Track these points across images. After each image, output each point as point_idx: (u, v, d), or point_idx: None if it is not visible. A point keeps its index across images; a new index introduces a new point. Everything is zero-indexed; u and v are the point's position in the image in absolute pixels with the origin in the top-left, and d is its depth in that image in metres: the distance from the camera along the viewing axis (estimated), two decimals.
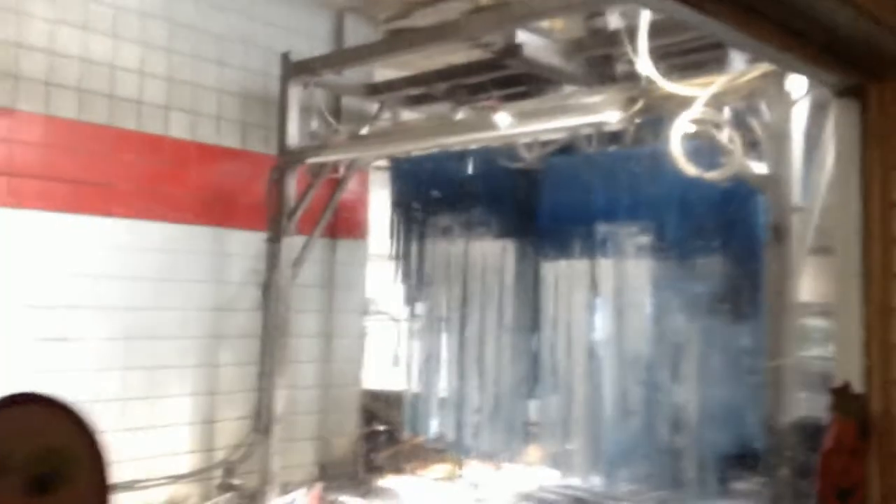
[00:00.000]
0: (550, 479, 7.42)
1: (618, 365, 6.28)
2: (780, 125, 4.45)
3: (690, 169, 4.57)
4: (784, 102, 4.41)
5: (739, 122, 4.62)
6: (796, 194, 4.45)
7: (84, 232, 6.68)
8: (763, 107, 4.58)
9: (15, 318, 6.26)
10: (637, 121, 5.13)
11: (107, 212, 6.83)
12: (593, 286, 6.35)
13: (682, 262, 5.84)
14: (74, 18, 6.68)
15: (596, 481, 6.80)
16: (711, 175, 4.61)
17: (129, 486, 6.73)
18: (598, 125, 5.34)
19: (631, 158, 5.99)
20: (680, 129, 4.56)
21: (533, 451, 7.15)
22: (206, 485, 7.31)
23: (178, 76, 7.35)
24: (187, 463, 7.26)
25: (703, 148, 4.83)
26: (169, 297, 7.18)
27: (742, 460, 6.15)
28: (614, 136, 6.41)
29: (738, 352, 5.91)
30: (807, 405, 4.58)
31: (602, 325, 6.39)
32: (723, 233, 5.57)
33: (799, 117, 4.47)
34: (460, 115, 6.00)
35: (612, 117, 4.98)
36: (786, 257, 4.36)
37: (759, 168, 4.59)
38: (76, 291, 6.61)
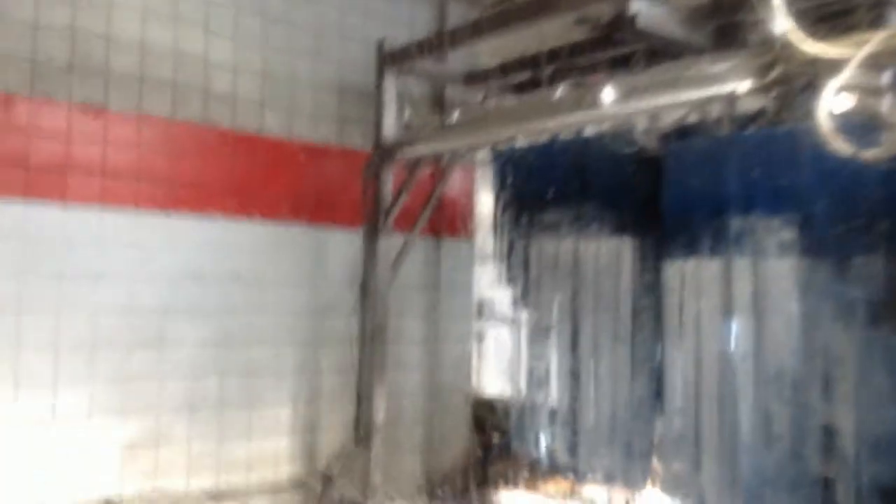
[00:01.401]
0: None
1: (757, 382, 5.35)
2: None
3: (843, 147, 3.67)
4: None
5: None
6: None
7: (178, 232, 6.48)
8: None
9: (109, 322, 6.12)
10: (774, 93, 4.23)
11: (201, 211, 6.60)
12: (727, 290, 5.44)
13: (836, 262, 4.86)
14: (165, 11, 6.47)
15: None
16: (870, 154, 3.69)
17: (226, 495, 6.50)
18: (727, 99, 4.48)
19: (770, 140, 5.06)
20: (828, 99, 3.68)
21: (655, 478, 6.32)
22: (306, 495, 6.97)
23: (273, 71, 7.05)
24: (286, 472, 6.96)
25: (859, 122, 3.92)
26: (265, 300, 6.90)
27: None
28: (750, 118, 5.52)
29: None
30: None
31: (738, 335, 5.48)
32: (886, 225, 4.57)
33: None
34: (561, 93, 5.23)
35: (743, 87, 4.11)
36: None
37: None
38: (171, 294, 6.42)
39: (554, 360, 6.56)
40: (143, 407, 6.24)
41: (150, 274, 6.33)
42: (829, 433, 5.23)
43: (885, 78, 3.68)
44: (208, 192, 6.64)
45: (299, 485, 6.94)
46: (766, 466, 5.41)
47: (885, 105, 3.61)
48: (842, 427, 5.15)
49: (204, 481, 6.49)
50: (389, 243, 6.84)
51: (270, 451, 6.90)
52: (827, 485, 5.19)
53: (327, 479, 6.96)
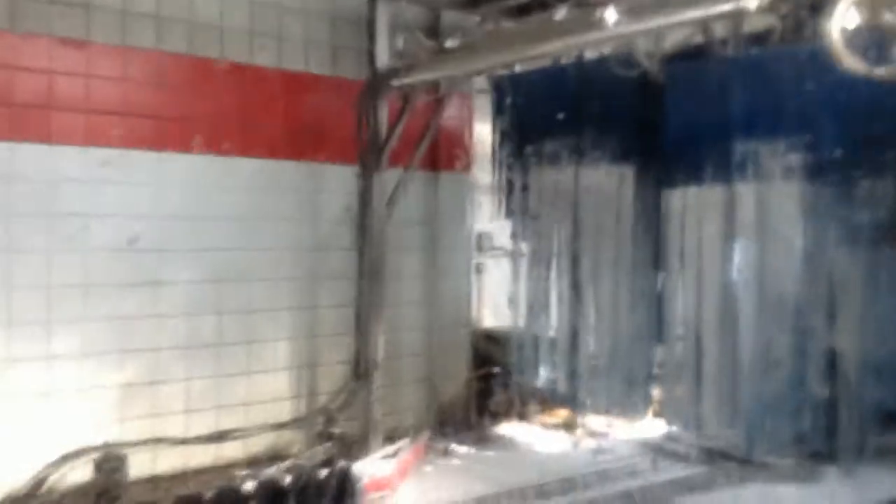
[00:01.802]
0: (676, 430, 6.61)
1: (760, 309, 5.32)
2: None
3: (855, 64, 3.54)
4: None
5: None
6: None
7: (168, 170, 6.31)
8: None
9: (101, 263, 6.01)
10: (782, 10, 4.05)
11: (191, 148, 6.42)
12: (729, 217, 5.35)
13: (842, 185, 4.76)
14: None
15: (731, 439, 5.95)
16: (882, 71, 3.55)
17: (228, 434, 6.50)
18: (734, 17, 4.29)
19: (774, 60, 4.90)
20: (842, 14, 3.52)
21: (656, 406, 6.34)
22: (308, 432, 6.98)
23: None
24: (288, 410, 6.94)
25: (872, 38, 3.76)
26: (260, 237, 6.77)
27: None
28: (756, 38, 5.33)
29: None
30: None
31: (740, 262, 5.41)
32: (893, 147, 4.45)
33: None
34: (562, 14, 5.02)
35: (751, 3, 3.93)
36: None
37: None
38: (164, 233, 6.29)
39: (554, 291, 6.51)
40: (139, 347, 6.18)
41: (141, 213, 6.19)
42: (831, 358, 5.22)
43: None
44: (199, 128, 6.45)
45: (300, 422, 6.93)
46: (768, 392, 5.40)
47: None
48: (845, 351, 5.13)
49: (204, 421, 6.47)
50: (385, 178, 6.70)
51: (270, 388, 6.87)
52: (829, 409, 5.20)
53: (328, 416, 6.96)
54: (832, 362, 5.21)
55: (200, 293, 6.48)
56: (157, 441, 6.18)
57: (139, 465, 6.03)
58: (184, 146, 6.38)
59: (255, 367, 6.79)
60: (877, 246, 4.76)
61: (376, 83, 6.53)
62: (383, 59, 6.51)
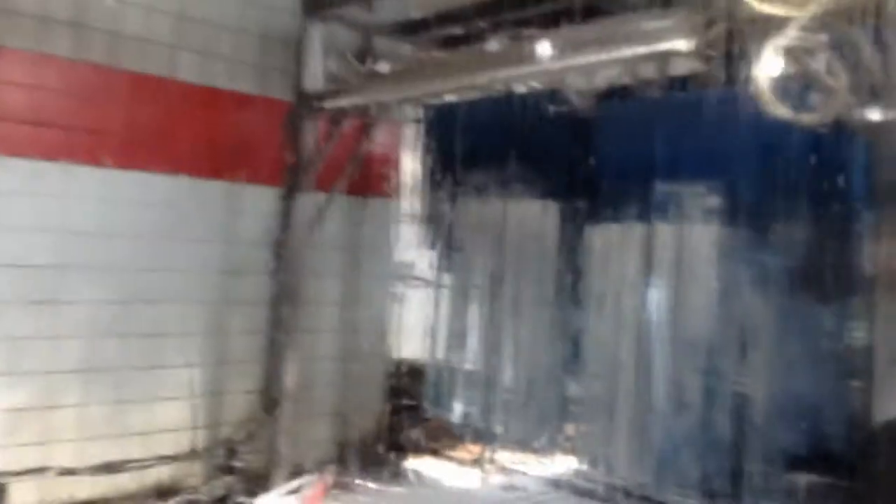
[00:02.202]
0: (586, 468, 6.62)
1: (674, 349, 5.39)
2: None
3: (780, 109, 3.64)
4: None
5: (845, 53, 3.66)
6: None
7: (78, 183, 5.97)
8: (879, 32, 3.60)
9: None
10: (710, 54, 4.16)
11: (104, 161, 6.10)
12: (649, 256, 5.43)
13: (758, 229, 4.90)
14: None
15: (639, 478, 5.98)
16: (807, 118, 3.68)
17: (122, 465, 6.12)
18: (664, 58, 4.39)
19: (700, 104, 5.04)
20: (769, 60, 3.63)
21: (569, 441, 6.33)
22: (209, 465, 6.64)
23: (190, 12, 6.57)
24: (189, 440, 6.60)
25: (794, 87, 3.91)
26: (173, 258, 6.48)
27: (814, 463, 5.29)
28: (681, 82, 5.48)
29: (820, 338, 4.99)
30: None
31: (657, 301, 5.49)
32: (811, 194, 4.62)
33: None
34: (494, 46, 5.04)
35: (684, 45, 4.03)
36: None
37: (870, 112, 3.62)
38: (68, 249, 5.93)
39: (474, 324, 6.46)
40: (32, 369, 5.78)
41: (45, 227, 5.83)
42: (740, 401, 5.32)
43: (826, 40, 3.64)
44: (113, 141, 6.15)
45: (200, 453, 6.60)
46: (678, 432, 5.46)
47: (824, 68, 3.57)
48: (753, 394, 5.24)
49: (97, 450, 6.08)
50: (309, 200, 6.56)
51: (171, 417, 6.51)
52: (736, 451, 5.28)
53: (230, 448, 6.66)
54: (741, 405, 5.30)
55: (103, 314, 6.12)
56: (43, 470, 5.76)
57: (22, 496, 5.60)
58: (95, 159, 6.06)
59: (158, 395, 6.44)
60: (789, 291, 4.90)
61: (304, 105, 6.40)
62: (313, 80, 6.41)
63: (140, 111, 6.29)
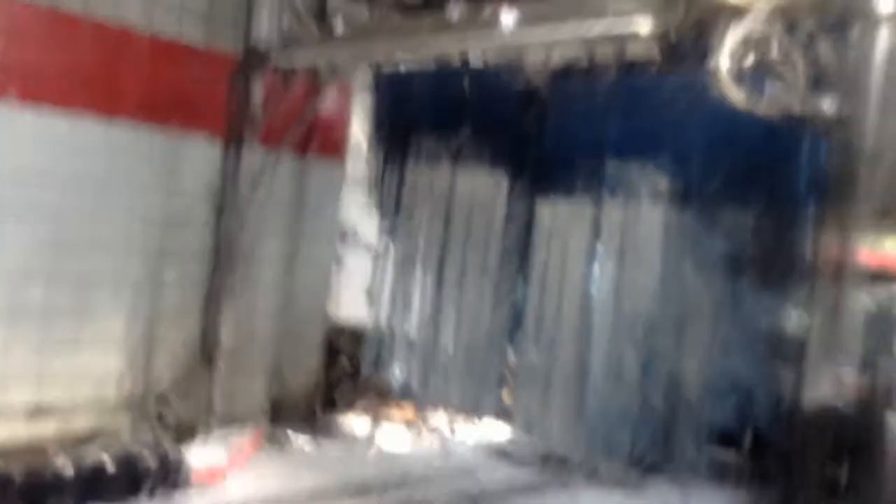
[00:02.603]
0: (520, 435, 6.74)
1: (614, 323, 5.53)
2: (860, 52, 3.58)
3: (738, 96, 3.74)
4: (869, 21, 3.53)
5: (805, 46, 3.77)
6: (869, 141, 3.60)
7: (8, 124, 5.70)
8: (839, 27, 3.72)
9: None
10: (673, 36, 4.22)
11: (37, 102, 5.83)
12: (595, 233, 5.53)
13: (705, 214, 5.04)
14: None
15: (572, 446, 6.13)
16: (764, 107, 3.78)
17: (45, 411, 5.93)
18: (626, 39, 4.41)
19: (656, 86, 5.12)
20: (730, 47, 3.71)
21: (506, 408, 6.43)
22: (138, 414, 6.50)
23: None
24: (118, 391, 6.43)
25: (752, 77, 4.01)
26: (109, 205, 6.24)
27: (740, 441, 5.53)
28: (636, 66, 5.54)
29: (757, 322, 5.19)
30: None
31: (601, 277, 5.60)
32: (760, 182, 4.76)
33: (885, 43, 3.59)
34: (455, 14, 4.98)
35: (645, 26, 4.08)
36: (848, 217, 3.55)
37: (826, 105, 3.74)
38: None
39: (417, 290, 6.48)
40: None
41: None
42: (675, 377, 5.50)
43: (784, 32, 3.74)
44: (50, 83, 5.87)
45: (132, 405, 6.46)
46: (613, 403, 5.62)
47: (784, 60, 3.68)
48: (688, 371, 5.43)
49: (21, 395, 5.88)
50: (254, 157, 6.42)
51: (101, 367, 6.33)
52: (668, 424, 5.47)
53: (162, 398, 6.54)
54: (675, 381, 5.49)
55: (32, 258, 5.89)
56: None
57: None
58: (29, 100, 5.78)
59: (88, 342, 6.24)
60: (730, 275, 5.06)
61: (254, 60, 6.24)
62: (264, 35, 6.23)
63: (81, 54, 6.02)
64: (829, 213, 3.69)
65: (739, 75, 3.85)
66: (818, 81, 3.80)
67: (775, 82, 3.79)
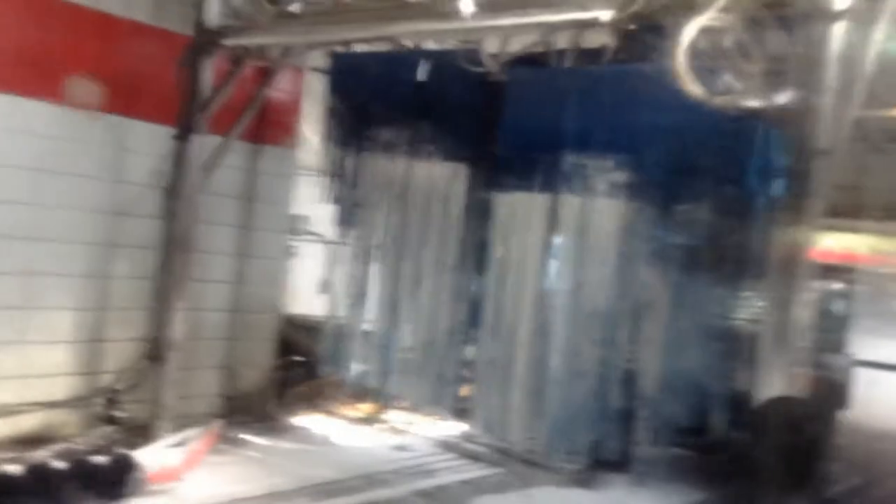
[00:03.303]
0: (478, 431, 6.67)
1: (572, 318, 5.42)
2: (814, 44, 3.49)
3: (695, 89, 3.64)
4: (823, 14, 3.44)
5: (761, 40, 3.67)
6: (823, 134, 3.53)
7: None
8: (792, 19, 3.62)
9: None
10: (631, 25, 4.12)
11: None
12: (552, 226, 5.42)
13: (661, 207, 4.94)
14: None
15: (531, 443, 6.06)
16: (719, 100, 3.69)
17: None
18: (582, 27, 4.30)
19: (613, 77, 4.99)
20: (688, 37, 3.61)
21: (464, 405, 6.33)
22: (87, 414, 6.32)
23: None
24: (65, 387, 6.25)
25: (706, 69, 3.91)
26: (53, 193, 6.05)
27: (697, 435, 5.49)
28: (592, 55, 5.42)
29: (712, 316, 5.13)
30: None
31: (558, 271, 5.49)
32: (714, 176, 4.68)
33: (838, 35, 3.50)
34: None
35: (605, 15, 3.97)
36: (803, 212, 3.48)
37: (781, 97, 3.66)
38: None
39: (374, 283, 6.33)
40: None
41: None
42: (632, 372, 5.42)
43: (742, 24, 3.64)
44: None
45: (78, 401, 6.26)
46: (571, 400, 5.52)
47: (740, 53, 3.58)
48: (645, 367, 5.35)
49: None
50: (203, 144, 6.22)
51: (48, 362, 6.14)
52: (626, 421, 5.40)
53: (111, 397, 6.35)
54: (632, 376, 5.41)
55: None
56: None
57: None
58: None
59: (33, 338, 6.05)
60: (686, 269, 4.99)
61: (204, 40, 6.03)
62: (214, 15, 6.01)
63: (21, 32, 5.78)
64: (783, 207, 3.60)
65: (696, 68, 3.74)
66: (774, 75, 3.71)
67: (732, 75, 3.68)
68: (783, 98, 3.65)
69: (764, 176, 4.33)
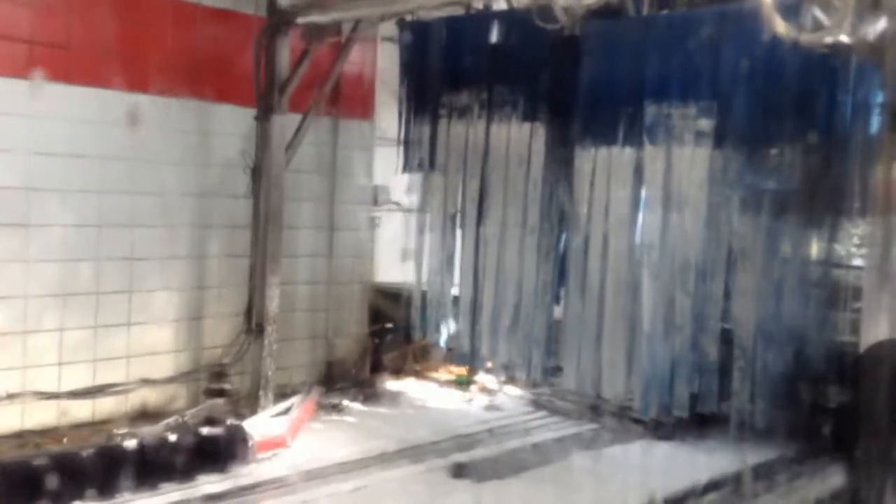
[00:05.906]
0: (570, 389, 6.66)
1: (662, 272, 5.35)
2: None
3: (782, 27, 3.49)
4: None
5: None
6: None
7: (45, 101, 5.72)
8: None
9: None
10: None
11: (69, 79, 5.84)
12: (638, 180, 5.33)
13: (750, 153, 4.79)
14: None
15: (625, 399, 6.04)
16: (809, 38, 3.54)
17: (105, 388, 6.07)
18: None
19: (692, 21, 4.85)
20: None
21: (555, 363, 6.35)
22: (194, 388, 6.62)
23: None
24: (171, 364, 6.55)
25: (792, 5, 3.75)
26: (146, 180, 6.29)
27: (799, 385, 5.35)
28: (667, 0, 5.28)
29: (808, 262, 4.97)
30: None
31: (646, 226, 5.41)
32: (805, 117, 4.50)
33: None
34: None
35: None
36: None
37: (873, 30, 3.48)
38: (36, 171, 5.72)
39: (458, 248, 6.38)
40: (8, 294, 5.64)
41: (10, 148, 5.60)
42: (727, 323, 5.33)
43: None
44: (80, 57, 5.87)
45: (186, 377, 6.56)
46: (665, 354, 5.48)
47: None
48: (741, 318, 5.24)
49: (79, 374, 6.02)
50: (285, 122, 6.33)
51: (153, 341, 6.44)
52: (723, 373, 5.32)
53: (216, 371, 6.62)
54: (728, 327, 5.31)
55: (76, 237, 5.97)
56: (23, 395, 5.69)
57: (6, 420, 5.56)
58: (62, 76, 5.79)
59: (137, 319, 6.35)
60: (779, 215, 4.84)
61: (277, 21, 6.11)
62: None
63: (108, 25, 5.99)
64: (881, 145, 3.45)
65: (781, 3, 3.59)
66: (865, 6, 3.52)
67: (819, 9, 3.52)
68: (876, 30, 3.47)
69: (858, 114, 4.15)
